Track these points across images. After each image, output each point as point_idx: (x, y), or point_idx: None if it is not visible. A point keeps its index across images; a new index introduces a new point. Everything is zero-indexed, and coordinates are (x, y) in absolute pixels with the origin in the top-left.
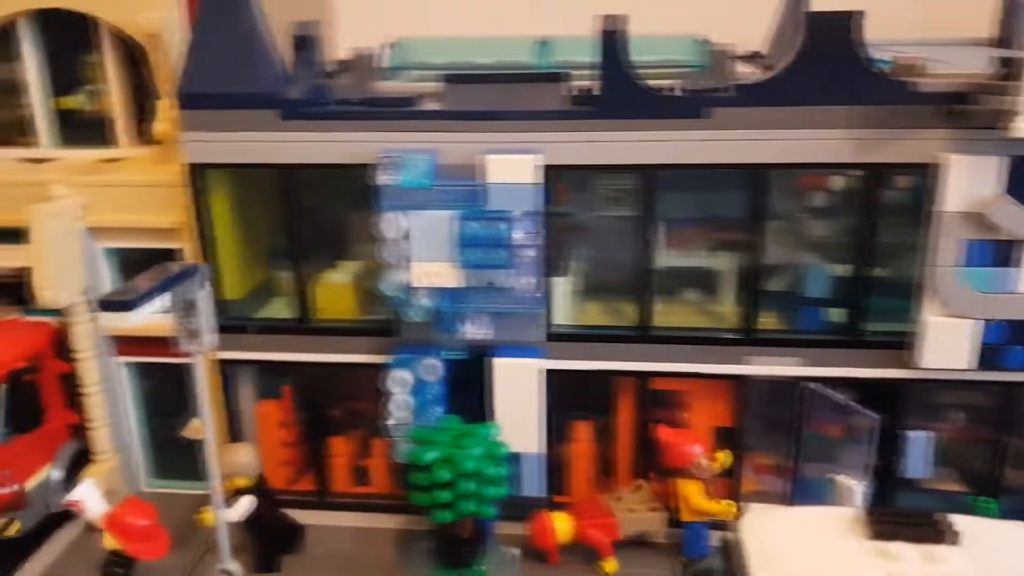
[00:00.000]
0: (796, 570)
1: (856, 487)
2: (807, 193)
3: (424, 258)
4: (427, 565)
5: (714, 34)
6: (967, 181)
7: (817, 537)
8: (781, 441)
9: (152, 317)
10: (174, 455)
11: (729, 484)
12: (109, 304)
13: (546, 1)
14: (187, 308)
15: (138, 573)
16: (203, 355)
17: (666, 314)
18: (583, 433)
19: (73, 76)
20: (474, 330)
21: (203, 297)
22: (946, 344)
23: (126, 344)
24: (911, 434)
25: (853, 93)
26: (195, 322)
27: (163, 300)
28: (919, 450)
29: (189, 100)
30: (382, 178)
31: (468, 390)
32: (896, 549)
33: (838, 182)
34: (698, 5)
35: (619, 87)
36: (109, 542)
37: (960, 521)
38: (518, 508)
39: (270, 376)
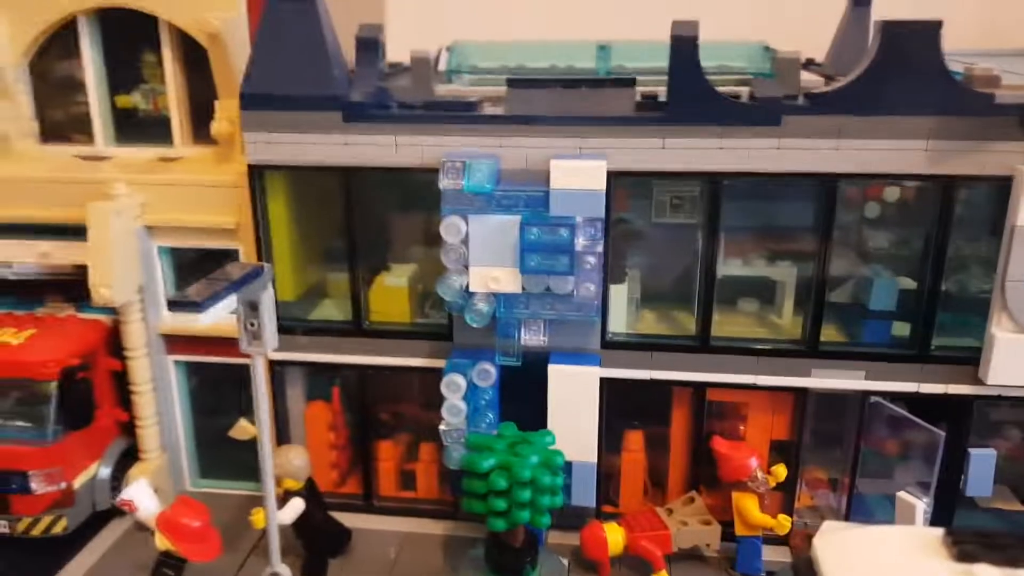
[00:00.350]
0: None
1: (919, 505)
2: (873, 205)
3: (484, 263)
4: (477, 572)
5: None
6: None
7: (897, 558)
8: (837, 456)
9: (221, 318)
10: (219, 454)
11: (783, 498)
12: (180, 304)
13: (600, 5)
14: (251, 309)
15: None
16: (263, 357)
17: (724, 324)
18: (635, 443)
19: (131, 74)
20: (530, 336)
21: (267, 298)
22: (1016, 360)
23: (177, 343)
24: (975, 452)
25: (931, 103)
26: (258, 323)
27: (231, 301)
28: (983, 468)
29: (252, 100)
30: (444, 182)
31: (522, 397)
32: (981, 571)
33: (905, 193)
34: (751, 11)
35: (690, 93)
36: (162, 543)
37: None
38: (569, 517)
39: (319, 378)
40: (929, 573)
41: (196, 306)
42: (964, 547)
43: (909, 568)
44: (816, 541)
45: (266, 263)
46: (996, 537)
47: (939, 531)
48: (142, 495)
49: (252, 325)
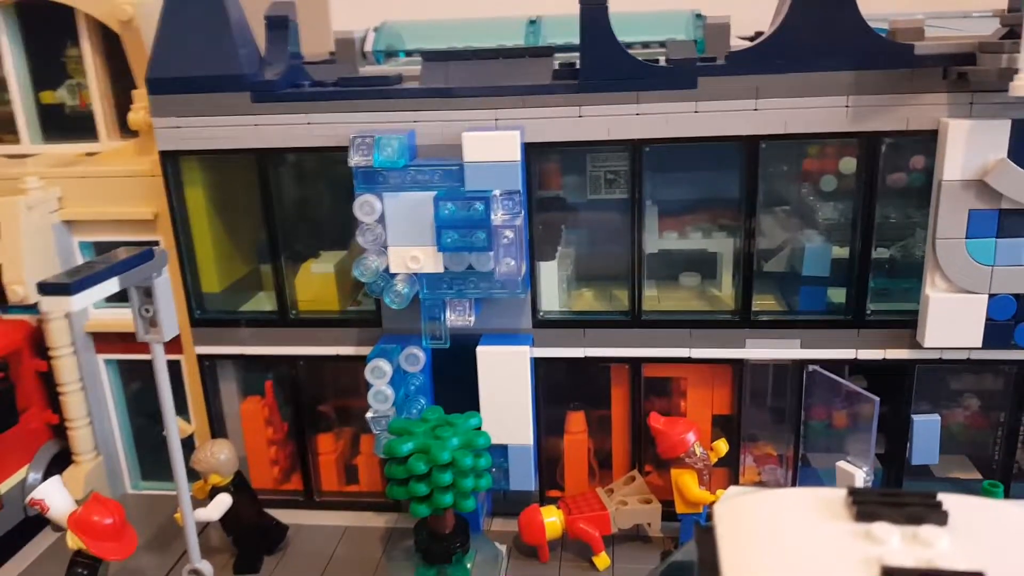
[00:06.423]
0: (769, 555)
1: (858, 473)
2: (829, 178)
3: (402, 242)
4: (409, 562)
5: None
6: (968, 147)
7: (796, 520)
8: (784, 431)
9: (100, 302)
10: (161, 456)
11: (727, 474)
12: (49, 288)
13: None
14: (145, 295)
15: (111, 575)
16: (162, 345)
17: (662, 299)
18: (577, 425)
19: (56, 70)
20: (456, 317)
21: (161, 284)
22: (951, 321)
23: (107, 341)
24: (919, 418)
25: (848, 57)
26: (153, 309)
27: (111, 286)
28: (927, 435)
29: (158, 85)
30: (355, 159)
31: (456, 382)
32: (880, 530)
33: (844, 166)
34: None
35: (602, 57)
36: (73, 542)
37: (949, 500)
38: (509, 504)
39: (255, 372)
40: (827, 533)
41: (65, 289)
42: (864, 506)
43: (807, 529)
44: (716, 507)
45: (175, 253)
46: (898, 496)
47: (842, 492)
48: (54, 493)
49: (147, 312)
